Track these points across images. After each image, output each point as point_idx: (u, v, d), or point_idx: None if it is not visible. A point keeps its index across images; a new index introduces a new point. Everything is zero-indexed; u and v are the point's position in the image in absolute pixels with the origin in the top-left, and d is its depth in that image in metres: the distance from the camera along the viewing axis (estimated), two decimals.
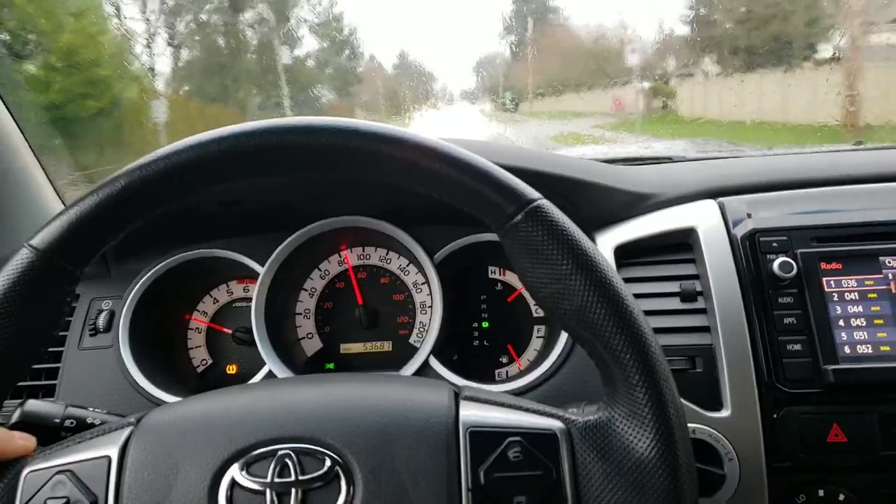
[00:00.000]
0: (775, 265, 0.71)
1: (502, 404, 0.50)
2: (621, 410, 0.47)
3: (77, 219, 0.47)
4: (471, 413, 0.49)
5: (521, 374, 0.83)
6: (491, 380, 0.89)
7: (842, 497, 0.70)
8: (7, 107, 0.99)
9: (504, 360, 0.92)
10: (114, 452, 0.48)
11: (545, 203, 0.48)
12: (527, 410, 0.50)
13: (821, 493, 0.70)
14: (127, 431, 0.49)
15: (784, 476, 0.69)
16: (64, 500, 0.46)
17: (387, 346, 0.93)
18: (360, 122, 0.49)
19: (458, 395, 0.51)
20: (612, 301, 0.46)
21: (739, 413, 0.69)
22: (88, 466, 0.47)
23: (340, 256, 0.95)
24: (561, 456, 0.46)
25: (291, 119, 0.49)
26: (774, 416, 0.69)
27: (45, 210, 1.00)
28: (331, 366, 0.94)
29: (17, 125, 1.00)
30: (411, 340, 0.93)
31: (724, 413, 0.69)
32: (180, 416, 0.50)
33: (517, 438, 0.47)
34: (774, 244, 0.73)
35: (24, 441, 0.50)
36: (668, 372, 0.47)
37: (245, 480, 0.45)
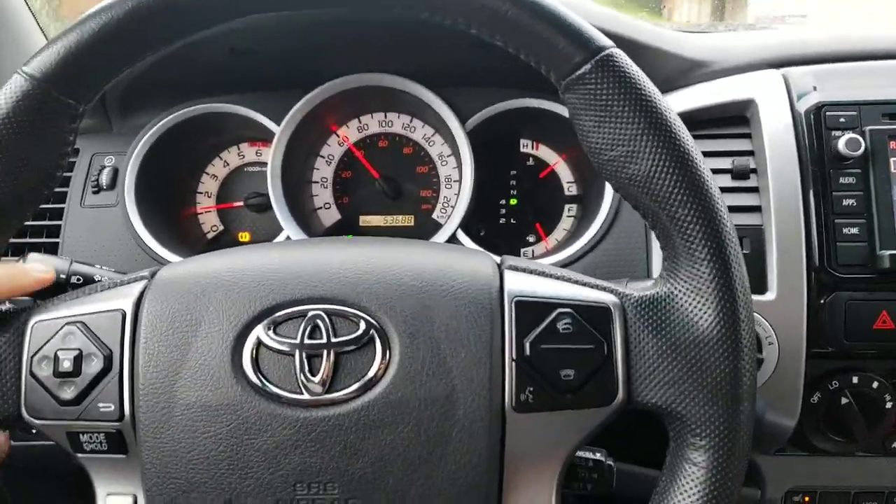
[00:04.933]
0: (841, 142, 0.65)
1: (550, 275, 0.47)
2: (682, 286, 0.43)
3: (78, 44, 0.41)
4: (516, 282, 0.45)
5: (548, 253, 0.79)
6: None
7: (875, 385, 0.69)
8: None
9: (531, 238, 0.88)
10: (128, 306, 0.44)
11: (618, 52, 0.42)
12: (576, 283, 0.46)
13: (855, 379, 0.69)
14: (140, 285, 0.45)
15: (822, 362, 0.67)
16: (76, 351, 0.43)
17: (409, 220, 0.89)
18: None
19: (500, 265, 0.47)
20: (685, 168, 0.41)
21: (785, 297, 0.66)
22: (101, 318, 0.44)
23: (360, 122, 0.89)
24: (613, 330, 0.44)
25: None
26: (821, 301, 0.66)
27: (27, 46, 0.90)
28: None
29: None
30: (435, 216, 0.88)
31: (769, 296, 0.66)
32: (199, 271, 0.46)
33: (567, 310, 0.44)
34: (842, 119, 0.67)
35: (40, 273, 0.46)
36: (738, 248, 0.43)
37: (272, 341, 0.42)
